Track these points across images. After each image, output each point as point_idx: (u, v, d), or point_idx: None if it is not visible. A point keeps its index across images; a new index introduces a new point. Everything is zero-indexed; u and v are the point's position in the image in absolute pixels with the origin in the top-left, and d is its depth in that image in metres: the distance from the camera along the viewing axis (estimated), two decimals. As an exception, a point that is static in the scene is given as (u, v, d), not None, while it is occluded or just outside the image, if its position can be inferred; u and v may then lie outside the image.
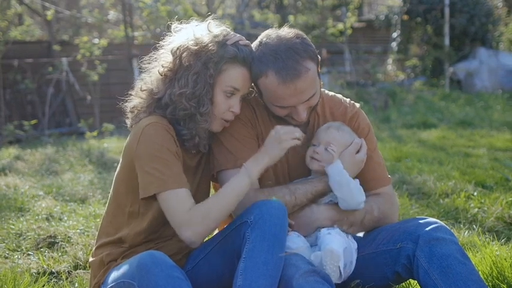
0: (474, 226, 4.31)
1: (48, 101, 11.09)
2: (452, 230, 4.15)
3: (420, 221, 2.84)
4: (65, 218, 4.79)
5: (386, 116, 11.40)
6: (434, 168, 6.14)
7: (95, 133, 10.10)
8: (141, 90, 2.92)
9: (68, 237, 4.28)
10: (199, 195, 3.02)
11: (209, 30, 2.85)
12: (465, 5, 17.24)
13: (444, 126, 9.94)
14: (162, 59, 2.88)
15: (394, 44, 18.29)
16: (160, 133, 2.75)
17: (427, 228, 2.76)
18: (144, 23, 13.78)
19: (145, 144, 2.74)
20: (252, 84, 2.93)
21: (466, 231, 4.18)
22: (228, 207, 2.70)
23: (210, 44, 2.80)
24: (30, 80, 11.23)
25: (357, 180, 2.98)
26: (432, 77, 17.47)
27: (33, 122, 10.24)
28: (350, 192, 2.88)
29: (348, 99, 3.20)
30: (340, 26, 17.10)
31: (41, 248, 4.13)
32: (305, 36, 2.86)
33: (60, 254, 4.01)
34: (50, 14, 12.21)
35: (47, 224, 4.57)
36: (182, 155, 2.86)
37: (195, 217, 2.65)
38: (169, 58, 2.84)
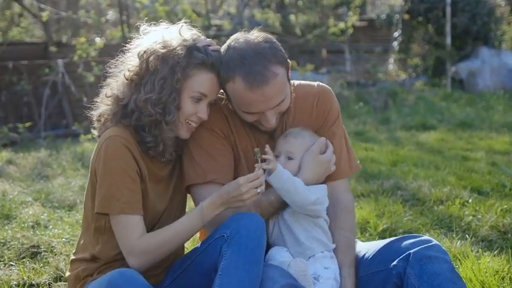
0: (467, 235, 4.20)
1: (44, 103, 11.02)
2: (444, 240, 4.10)
3: (413, 240, 2.74)
4: (51, 226, 4.70)
5: (385, 117, 11.28)
6: (431, 173, 6.04)
7: (90, 136, 10.00)
8: (106, 96, 2.82)
9: (52, 246, 4.21)
10: (175, 207, 2.97)
11: (179, 34, 2.75)
12: (467, 4, 17.09)
13: (443, 128, 9.83)
14: (128, 63, 2.77)
15: (395, 44, 18.16)
16: (119, 152, 2.67)
17: (419, 247, 2.66)
18: (142, 24, 13.65)
19: (104, 161, 2.67)
20: (221, 90, 2.84)
21: (459, 241, 4.07)
22: (178, 245, 2.71)
23: (178, 48, 2.70)
24: (26, 82, 11.14)
25: (324, 186, 2.89)
26: (434, 76, 17.33)
27: (28, 124, 10.15)
28: (299, 196, 2.76)
29: (317, 83, 3.08)
30: (342, 25, 16.97)
31: (23, 258, 4.07)
32: (274, 40, 2.76)
33: (41, 265, 3.93)
34: (45, 15, 12.12)
35: (31, 232, 4.50)
36: (149, 166, 2.80)
37: (143, 248, 2.64)
38: (136, 62, 2.73)
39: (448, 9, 16.30)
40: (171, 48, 2.70)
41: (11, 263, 3.99)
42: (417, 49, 18.53)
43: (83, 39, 11.69)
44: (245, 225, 2.56)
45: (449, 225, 4.51)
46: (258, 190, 2.62)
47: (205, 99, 2.78)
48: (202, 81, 2.74)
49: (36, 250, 4.15)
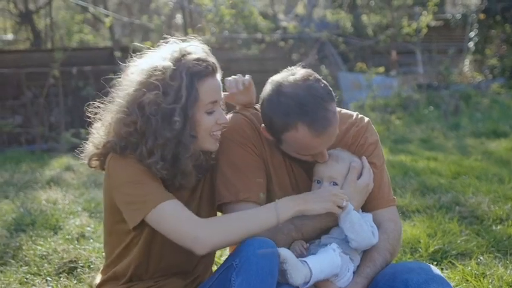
0: (523, 262, 3.90)
1: (108, 108, 11.16)
2: (498, 265, 3.82)
3: (414, 276, 2.59)
4: (93, 240, 4.68)
5: (455, 123, 10.84)
6: (493, 188, 5.68)
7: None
8: (105, 130, 2.69)
9: (90, 262, 4.20)
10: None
11: (163, 59, 2.58)
12: (547, 2, 16.38)
13: (516, 136, 9.35)
14: (121, 113, 2.60)
15: (471, 44, 17.56)
16: (123, 162, 2.58)
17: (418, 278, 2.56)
18: (208, 27, 13.71)
19: (114, 177, 2.59)
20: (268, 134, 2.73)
21: (515, 268, 3.78)
22: (246, 236, 2.51)
23: (171, 74, 2.54)
24: (92, 87, 11.33)
25: (369, 215, 2.80)
26: (511, 78, 16.66)
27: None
28: (362, 237, 2.69)
29: (356, 113, 2.99)
30: (416, 25, 16.52)
31: (61, 273, 4.06)
32: (318, 75, 2.68)
33: (76, 282, 3.91)
34: (108, 20, 12.29)
35: (72, 246, 4.48)
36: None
37: (213, 226, 2.52)
38: (133, 116, 2.56)
39: (527, 8, 15.62)
40: (165, 82, 2.54)
41: (48, 278, 3.99)
42: (494, 49, 17.85)
43: (148, 44, 11.77)
44: (255, 253, 2.43)
45: (507, 248, 4.21)
46: (344, 203, 2.60)
47: (217, 104, 2.67)
48: (209, 90, 2.61)
49: (74, 265, 4.15)
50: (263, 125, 2.74)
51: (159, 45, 2.72)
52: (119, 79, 2.71)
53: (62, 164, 8.11)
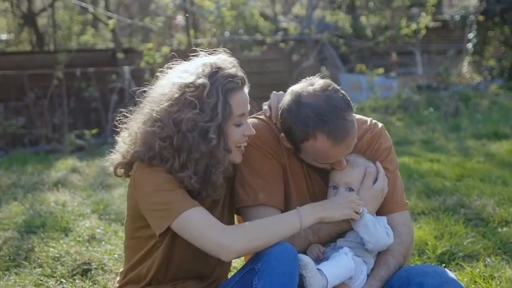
0: (530, 264, 3.97)
1: (111, 109, 11.22)
2: (506, 267, 3.88)
3: (429, 279, 2.65)
4: (104, 242, 4.73)
5: (456, 124, 10.89)
6: (497, 190, 5.74)
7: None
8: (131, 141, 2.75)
9: (103, 264, 4.25)
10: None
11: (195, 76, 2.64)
12: (546, 4, 16.44)
13: (517, 137, 9.40)
14: (154, 126, 2.64)
15: (469, 45, 17.62)
16: (149, 170, 2.64)
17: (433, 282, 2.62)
18: (210, 29, 13.75)
19: (140, 186, 2.64)
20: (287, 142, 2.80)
21: (522, 270, 3.84)
22: (269, 244, 2.56)
23: (204, 89, 2.59)
24: (94, 88, 11.37)
25: (384, 218, 2.86)
26: (510, 79, 16.71)
27: (94, 131, 10.35)
28: (377, 239, 2.75)
29: (370, 119, 3.06)
30: (414, 26, 16.56)
31: (74, 275, 4.11)
32: (336, 86, 2.75)
33: (90, 283, 3.96)
34: (111, 23, 12.33)
35: (84, 248, 4.52)
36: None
37: (238, 233, 2.56)
38: (167, 130, 2.62)
39: (526, 10, 15.68)
40: (200, 92, 2.60)
41: (62, 279, 4.04)
42: (492, 51, 17.91)
43: (150, 45, 11.83)
44: (276, 257, 2.50)
45: (513, 250, 4.28)
46: (360, 209, 2.67)
47: (245, 116, 2.73)
48: (239, 104, 2.68)
49: (87, 267, 4.19)
50: (282, 134, 2.80)
51: (189, 59, 2.76)
52: (147, 90, 2.76)
53: (67, 166, 8.14)
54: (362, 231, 2.73)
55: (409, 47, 17.05)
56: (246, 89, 2.73)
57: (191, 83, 2.60)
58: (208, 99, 2.58)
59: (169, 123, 2.58)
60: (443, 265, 4.08)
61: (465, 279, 3.79)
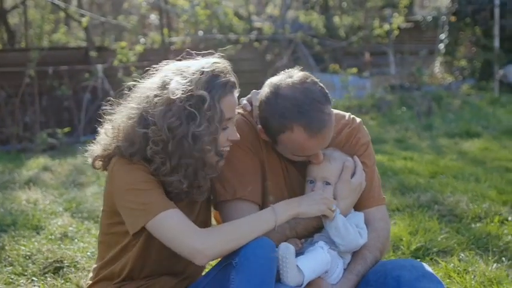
0: (504, 258, 3.99)
1: (84, 108, 11.10)
2: (479, 262, 3.91)
3: (406, 272, 2.65)
4: (77, 239, 4.67)
5: (429, 123, 10.96)
6: (470, 187, 5.80)
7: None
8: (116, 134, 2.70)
9: (75, 261, 4.19)
10: (202, 221, 2.89)
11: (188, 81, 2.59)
12: (516, 5, 16.61)
13: (488, 136, 9.48)
14: (143, 126, 2.60)
15: (441, 46, 17.77)
16: (128, 167, 2.61)
17: (410, 276, 2.62)
18: (183, 28, 13.69)
19: (118, 181, 2.61)
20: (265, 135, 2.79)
21: (495, 264, 3.87)
22: (245, 243, 2.53)
23: (199, 92, 2.56)
24: (66, 86, 11.23)
25: (361, 214, 2.87)
26: (481, 79, 16.88)
27: (66, 130, 10.23)
28: (349, 241, 2.74)
29: (348, 114, 3.06)
30: (387, 26, 16.66)
31: (46, 273, 4.04)
32: (315, 79, 2.73)
33: (62, 281, 3.90)
34: (84, 20, 12.21)
35: (56, 246, 4.46)
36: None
37: (213, 237, 2.52)
38: (161, 134, 2.57)
39: (497, 11, 15.81)
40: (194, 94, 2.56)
41: (34, 278, 3.97)
42: (464, 51, 18.08)
43: (123, 44, 11.73)
44: (254, 251, 2.48)
45: (487, 245, 4.31)
46: (333, 207, 2.67)
47: (232, 120, 2.71)
48: (228, 108, 2.65)
49: (59, 265, 4.13)
50: (260, 126, 2.78)
51: (184, 59, 2.74)
52: (134, 84, 2.73)
53: (39, 164, 8.03)
54: (333, 234, 2.72)
55: (382, 47, 17.15)
56: (236, 93, 2.71)
57: (190, 94, 2.55)
58: (207, 111, 2.55)
59: (164, 128, 2.53)
60: (418, 260, 4.08)
61: (440, 274, 3.81)
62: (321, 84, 2.72)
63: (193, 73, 2.61)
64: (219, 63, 2.69)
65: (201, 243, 2.49)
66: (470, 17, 17.13)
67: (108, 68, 11.62)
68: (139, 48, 11.48)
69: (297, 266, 2.59)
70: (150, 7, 13.28)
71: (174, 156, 2.56)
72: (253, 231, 2.55)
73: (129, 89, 2.76)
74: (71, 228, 4.94)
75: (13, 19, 14.26)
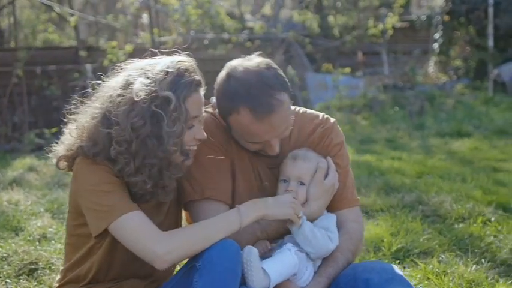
0: (483, 260, 3.94)
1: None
2: (459, 263, 3.86)
3: (375, 275, 2.61)
4: (54, 241, 4.61)
5: (421, 123, 10.93)
6: (456, 187, 5.75)
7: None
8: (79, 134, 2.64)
9: (51, 263, 4.12)
10: (173, 221, 2.87)
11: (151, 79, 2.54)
12: (510, 4, 16.55)
13: (479, 135, 9.45)
14: (106, 126, 2.54)
15: (436, 45, 17.73)
16: (92, 167, 2.56)
17: (379, 279, 2.58)
18: (175, 27, 13.62)
19: (81, 181, 2.57)
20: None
21: (474, 265, 3.81)
22: (209, 245, 2.48)
23: (163, 91, 2.51)
24: (56, 86, 11.17)
25: (333, 216, 2.82)
26: (476, 79, 16.85)
27: (54, 130, 10.17)
28: (319, 248, 2.70)
29: (322, 114, 3.00)
30: (382, 26, 16.61)
31: (20, 275, 3.98)
32: (275, 66, 2.69)
33: (36, 283, 3.84)
34: (73, 20, 12.14)
35: (33, 247, 4.40)
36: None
37: (174, 241, 2.46)
38: (124, 134, 2.52)
39: (491, 10, 15.77)
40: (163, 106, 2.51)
41: (7, 280, 3.91)
42: (458, 51, 18.04)
43: (114, 43, 11.67)
44: (218, 254, 2.43)
45: (469, 245, 4.26)
46: (300, 214, 2.62)
47: (198, 119, 2.65)
48: (193, 107, 2.59)
49: (34, 267, 4.07)
50: (217, 109, 2.75)
51: (148, 57, 2.70)
52: (100, 83, 2.68)
53: (24, 165, 7.97)
54: (301, 242, 2.68)
55: (375, 47, 17.10)
56: (202, 92, 2.66)
57: (155, 95, 2.50)
58: (173, 112, 2.50)
59: (127, 128, 2.48)
60: (398, 262, 4.05)
61: (418, 276, 3.77)
62: (280, 72, 2.67)
63: (158, 73, 2.56)
64: (184, 61, 2.64)
65: (160, 247, 2.43)
66: (464, 16, 17.10)
67: (98, 67, 11.55)
68: (128, 48, 11.41)
69: (263, 269, 2.54)
70: (140, 6, 13.21)
71: (138, 157, 2.51)
72: (217, 234, 2.49)
73: (94, 88, 2.72)
74: (50, 230, 4.88)
75: (2, 19, 14.17)
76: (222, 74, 2.68)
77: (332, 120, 3.00)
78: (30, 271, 4.02)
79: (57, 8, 13.43)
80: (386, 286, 2.54)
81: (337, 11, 19.33)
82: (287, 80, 2.70)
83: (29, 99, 11.09)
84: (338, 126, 3.01)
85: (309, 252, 2.68)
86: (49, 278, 3.88)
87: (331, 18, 19.23)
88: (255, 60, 2.67)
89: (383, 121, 11.43)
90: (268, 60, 2.69)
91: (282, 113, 2.62)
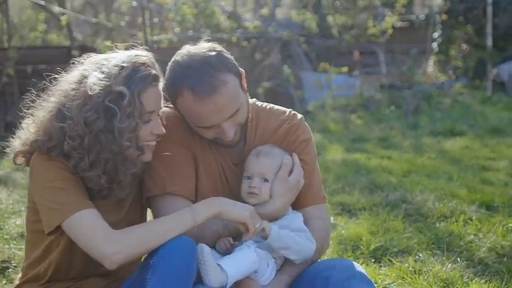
0: (459, 258, 3.88)
1: (66, 107, 10.98)
2: (436, 262, 3.80)
3: (335, 273, 2.55)
4: (30, 239, 4.56)
5: (415, 122, 10.86)
6: (441, 185, 5.68)
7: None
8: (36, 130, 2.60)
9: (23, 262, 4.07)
10: (137, 218, 2.81)
11: (104, 74, 2.49)
12: (509, 4, 16.47)
13: (472, 134, 9.37)
14: (61, 121, 2.50)
15: (434, 45, 17.65)
16: (47, 163, 2.52)
17: (339, 275, 2.53)
18: (171, 26, 13.59)
19: (36, 178, 2.53)
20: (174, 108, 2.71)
21: (450, 264, 3.76)
22: (162, 243, 2.43)
23: (116, 86, 2.46)
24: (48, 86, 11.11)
25: (300, 215, 2.77)
26: (475, 78, 16.77)
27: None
28: (301, 248, 2.64)
29: (289, 110, 2.95)
30: (381, 25, 16.52)
31: (-8, 274, 3.94)
32: (221, 49, 2.65)
33: (5, 282, 3.80)
34: (64, 18, 12.10)
35: (7, 246, 4.36)
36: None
37: (124, 240, 2.41)
38: (77, 129, 2.48)
39: (489, 9, 15.69)
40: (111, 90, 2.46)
41: (-21, 279, 3.88)
42: (457, 50, 17.96)
43: (108, 43, 11.62)
44: (172, 250, 2.38)
45: (448, 244, 4.20)
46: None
47: (155, 114, 2.60)
48: (149, 101, 2.54)
49: (6, 265, 4.04)
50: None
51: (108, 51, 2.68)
52: (57, 78, 2.64)
53: (12, 164, 7.92)
54: (282, 250, 2.62)
55: (373, 47, 17.03)
56: (160, 86, 2.61)
57: (109, 90, 2.45)
58: (127, 107, 2.46)
59: (80, 122, 2.45)
60: (374, 260, 4.00)
61: (393, 275, 3.71)
62: (227, 55, 2.63)
63: (113, 68, 2.52)
64: (141, 56, 2.59)
65: (109, 247, 2.38)
66: (462, 15, 17.02)
67: (92, 67, 11.52)
68: (121, 47, 11.36)
69: (220, 266, 2.48)
70: (132, 5, 13.18)
71: (91, 151, 2.47)
72: (169, 232, 2.44)
73: (51, 82, 2.68)
74: (28, 228, 4.83)
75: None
76: (170, 62, 2.65)
77: (299, 116, 2.94)
78: (2, 269, 3.99)
79: (54, 8, 13.38)
80: (346, 284, 2.49)
81: (336, 10, 19.24)
82: (236, 64, 2.65)
83: (21, 99, 11.02)
84: (305, 122, 2.96)
85: (293, 260, 2.63)
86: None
87: (330, 18, 19.17)
88: (201, 46, 2.64)
89: (378, 120, 11.36)
90: (215, 45, 2.65)
91: (227, 94, 2.55)
